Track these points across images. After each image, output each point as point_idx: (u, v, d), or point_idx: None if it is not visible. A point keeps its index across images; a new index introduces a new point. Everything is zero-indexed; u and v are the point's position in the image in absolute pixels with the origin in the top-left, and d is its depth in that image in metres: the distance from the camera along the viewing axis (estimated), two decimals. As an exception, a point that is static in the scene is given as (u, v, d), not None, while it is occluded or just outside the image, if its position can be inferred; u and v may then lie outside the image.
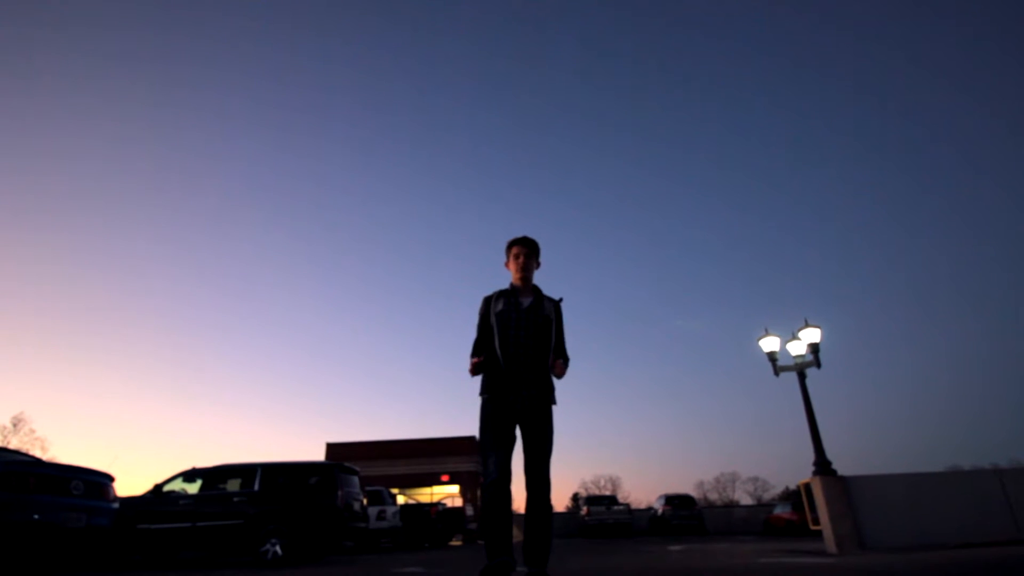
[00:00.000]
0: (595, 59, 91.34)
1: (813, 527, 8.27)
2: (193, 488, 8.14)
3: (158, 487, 8.05)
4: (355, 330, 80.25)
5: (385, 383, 77.23)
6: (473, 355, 2.91)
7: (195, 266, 75.30)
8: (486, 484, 2.63)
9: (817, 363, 8.51)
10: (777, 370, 8.93)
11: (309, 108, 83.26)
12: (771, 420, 79.48)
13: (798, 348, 8.91)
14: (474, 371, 2.85)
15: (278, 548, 7.44)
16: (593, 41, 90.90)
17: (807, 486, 8.45)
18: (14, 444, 34.34)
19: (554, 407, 2.87)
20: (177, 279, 73.89)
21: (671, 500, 20.21)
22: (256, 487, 7.89)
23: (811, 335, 8.66)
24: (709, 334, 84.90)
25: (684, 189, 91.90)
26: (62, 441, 63.43)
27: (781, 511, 18.84)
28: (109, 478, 5.36)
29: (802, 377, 8.73)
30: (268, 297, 78.90)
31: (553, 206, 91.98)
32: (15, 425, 35.51)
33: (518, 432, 2.76)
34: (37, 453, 35.07)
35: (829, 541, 7.65)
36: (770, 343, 9.07)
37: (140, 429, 63.26)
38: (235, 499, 7.80)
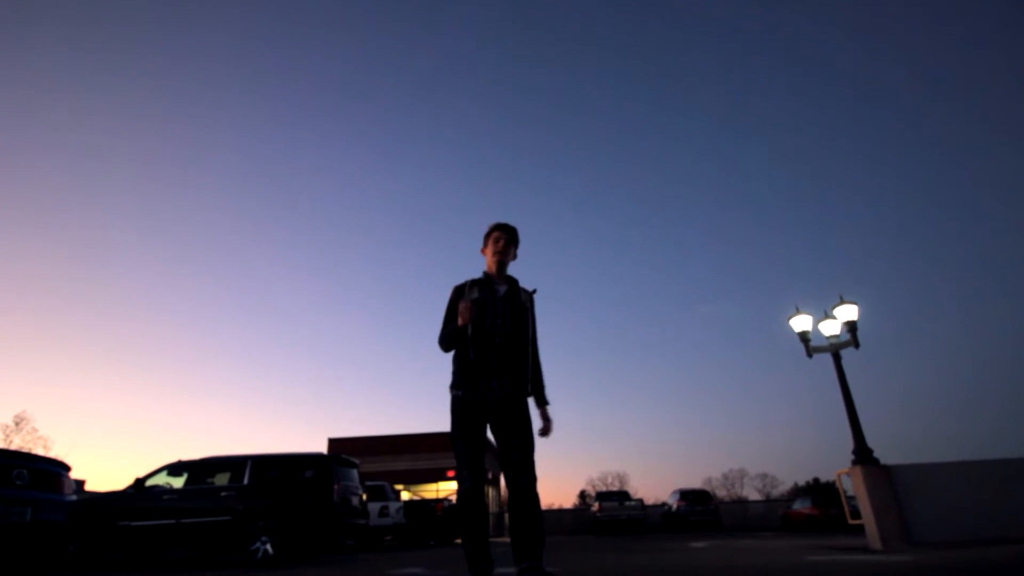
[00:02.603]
0: (600, 53, 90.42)
1: (852, 521, 7.58)
2: (178, 482, 7.55)
3: (140, 481, 7.46)
4: (357, 324, 79.94)
5: (388, 377, 76.90)
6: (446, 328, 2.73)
7: (196, 263, 75.05)
8: (463, 491, 2.48)
9: (855, 343, 7.80)
10: (810, 351, 8.23)
11: (306, 106, 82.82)
12: (779, 416, 78.64)
13: (831, 328, 8.21)
14: (465, 316, 2.59)
15: (269, 547, 6.88)
16: (597, 37, 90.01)
17: (844, 477, 7.77)
18: (16, 443, 33.91)
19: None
20: (178, 276, 73.66)
21: (686, 495, 19.45)
22: (246, 481, 7.30)
23: (847, 312, 7.94)
24: (717, 330, 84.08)
25: (690, 177, 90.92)
26: (66, 440, 63.39)
27: (801, 506, 18.13)
28: (63, 467, 4.74)
29: (837, 358, 8.02)
30: (269, 292, 78.62)
31: (553, 202, 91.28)
32: (17, 424, 35.12)
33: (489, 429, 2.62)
34: (39, 452, 34.75)
35: (872, 536, 6.96)
36: (801, 322, 8.36)
37: (142, 426, 63.00)
38: (223, 494, 7.22)
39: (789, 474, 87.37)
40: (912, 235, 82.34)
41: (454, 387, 2.61)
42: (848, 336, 7.89)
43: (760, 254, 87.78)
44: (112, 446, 58.48)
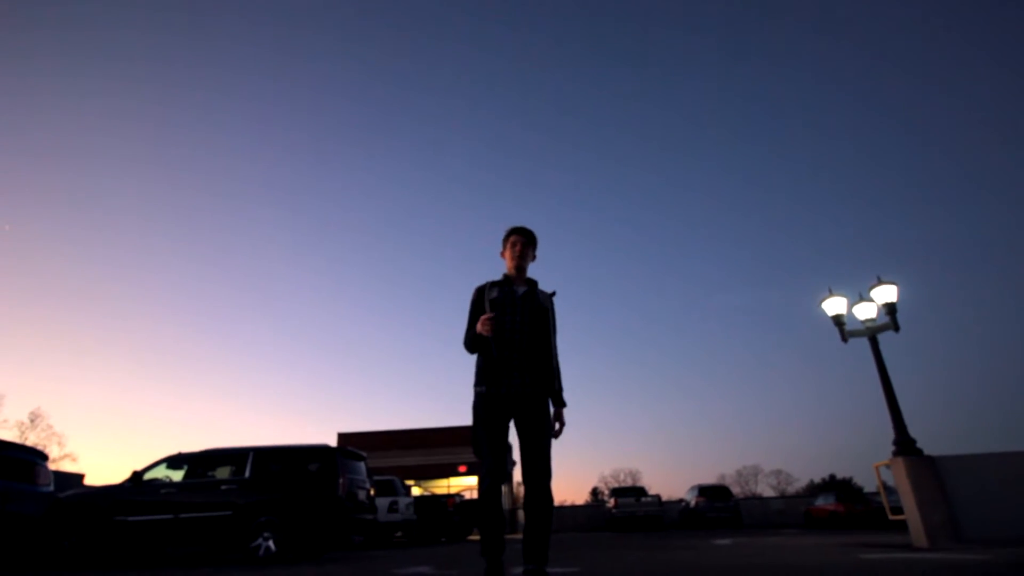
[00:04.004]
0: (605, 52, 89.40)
1: (893, 517, 7.06)
2: (178, 475, 7.21)
3: (137, 475, 7.11)
4: (368, 319, 79.97)
5: (399, 371, 76.86)
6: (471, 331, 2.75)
7: (205, 261, 75.44)
8: (485, 486, 2.51)
9: (895, 326, 7.25)
10: (845, 335, 7.69)
11: (313, 106, 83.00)
12: (792, 412, 77.55)
13: (867, 311, 7.67)
14: (485, 329, 2.59)
15: (271, 543, 6.51)
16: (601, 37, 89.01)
17: (883, 469, 7.24)
18: (31, 440, 34.12)
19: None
20: (188, 274, 74.13)
21: (705, 491, 18.78)
22: (247, 474, 6.94)
23: (886, 294, 7.40)
24: (728, 326, 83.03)
25: (694, 171, 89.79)
26: (81, 436, 64.11)
27: (824, 503, 17.54)
28: (38, 456, 4.37)
29: (874, 343, 7.48)
30: (278, 289, 78.92)
31: (556, 201, 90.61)
32: (32, 421, 35.32)
33: (512, 425, 2.65)
34: (54, 449, 34.90)
35: (917, 533, 6.44)
36: (835, 305, 7.82)
37: (154, 423, 63.38)
38: (223, 488, 6.86)
39: (804, 471, 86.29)
40: (921, 225, 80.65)
41: (478, 384, 2.66)
42: (887, 319, 7.35)
43: (769, 250, 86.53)
44: (121, 441, 58.97)
